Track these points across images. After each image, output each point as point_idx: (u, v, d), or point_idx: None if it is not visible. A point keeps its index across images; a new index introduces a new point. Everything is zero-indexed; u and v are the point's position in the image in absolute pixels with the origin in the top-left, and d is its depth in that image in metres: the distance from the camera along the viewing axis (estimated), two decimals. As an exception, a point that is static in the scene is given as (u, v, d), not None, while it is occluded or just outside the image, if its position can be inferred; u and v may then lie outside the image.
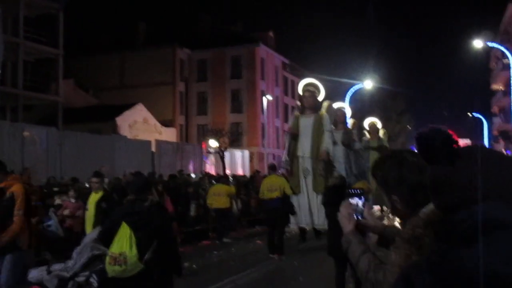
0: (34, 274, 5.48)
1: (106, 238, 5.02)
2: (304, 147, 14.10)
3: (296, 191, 14.15)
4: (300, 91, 14.76)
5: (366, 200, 2.52)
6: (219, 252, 13.78)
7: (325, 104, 14.90)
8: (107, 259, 4.85)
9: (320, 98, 14.64)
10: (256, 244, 14.62)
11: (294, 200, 14.13)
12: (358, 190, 2.54)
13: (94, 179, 9.56)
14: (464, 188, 1.43)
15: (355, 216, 2.44)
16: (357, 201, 2.49)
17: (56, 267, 5.40)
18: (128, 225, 4.86)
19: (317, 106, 14.46)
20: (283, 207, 12.98)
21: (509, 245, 1.27)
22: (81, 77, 45.87)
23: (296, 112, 14.91)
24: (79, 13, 73.04)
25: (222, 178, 17.83)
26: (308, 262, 11.94)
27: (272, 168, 14.03)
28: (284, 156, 14.72)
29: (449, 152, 1.48)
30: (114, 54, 49.51)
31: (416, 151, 1.57)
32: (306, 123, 14.13)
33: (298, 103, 14.83)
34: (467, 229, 1.32)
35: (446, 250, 1.32)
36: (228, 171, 32.42)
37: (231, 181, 19.34)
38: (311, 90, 14.38)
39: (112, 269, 4.81)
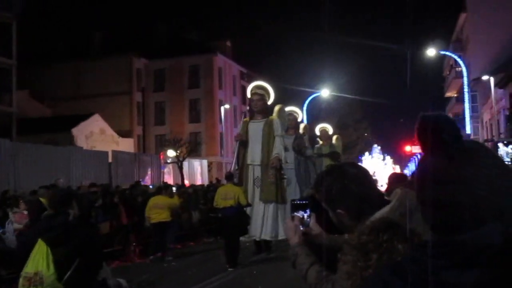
0: None
1: (22, 259, 4.53)
2: (254, 154, 13.28)
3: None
4: (248, 95, 13.81)
5: (312, 210, 2.53)
6: (177, 263, 13.67)
7: (277, 108, 14.22)
8: (21, 281, 4.39)
9: (270, 101, 13.83)
10: (215, 254, 14.54)
11: (248, 211, 13.72)
12: (303, 201, 2.54)
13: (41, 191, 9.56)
14: (473, 202, 1.27)
15: (301, 228, 2.42)
16: (302, 213, 2.49)
17: None
18: (45, 242, 4.40)
19: (267, 110, 13.69)
20: (237, 216, 12.53)
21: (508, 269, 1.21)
22: (35, 87, 45.09)
23: (245, 118, 14.07)
24: (33, 22, 71.84)
25: (164, 189, 16.01)
26: (267, 271, 11.92)
27: (229, 177, 13.63)
28: (233, 165, 13.77)
29: (457, 149, 1.31)
30: (70, 64, 48.88)
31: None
32: (256, 128, 13.26)
33: (247, 108, 14.09)
34: (470, 252, 1.22)
35: (440, 269, 1.22)
36: (186, 181, 32.28)
37: (175, 191, 18.46)
38: (259, 93, 13.42)
39: None
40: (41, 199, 10.97)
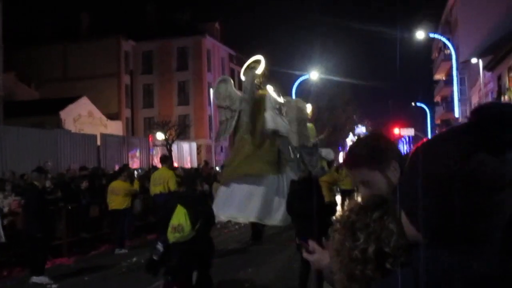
0: None
1: (166, 218, 6.60)
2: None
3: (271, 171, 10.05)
4: (261, 69, 11.40)
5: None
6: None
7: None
8: (169, 229, 6.40)
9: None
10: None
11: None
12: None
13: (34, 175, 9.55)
14: None
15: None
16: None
17: None
18: (183, 206, 6.46)
19: None
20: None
21: None
22: (23, 69, 44.58)
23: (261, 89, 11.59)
24: (20, 3, 70.96)
25: (121, 173, 14.41)
26: (258, 255, 11.95)
27: (163, 160, 12.94)
28: (225, 134, 11.58)
29: None
30: (57, 46, 48.37)
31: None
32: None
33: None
34: None
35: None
36: (176, 164, 32.22)
37: (136, 175, 17.90)
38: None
39: (173, 236, 6.37)
40: (35, 182, 10.82)
